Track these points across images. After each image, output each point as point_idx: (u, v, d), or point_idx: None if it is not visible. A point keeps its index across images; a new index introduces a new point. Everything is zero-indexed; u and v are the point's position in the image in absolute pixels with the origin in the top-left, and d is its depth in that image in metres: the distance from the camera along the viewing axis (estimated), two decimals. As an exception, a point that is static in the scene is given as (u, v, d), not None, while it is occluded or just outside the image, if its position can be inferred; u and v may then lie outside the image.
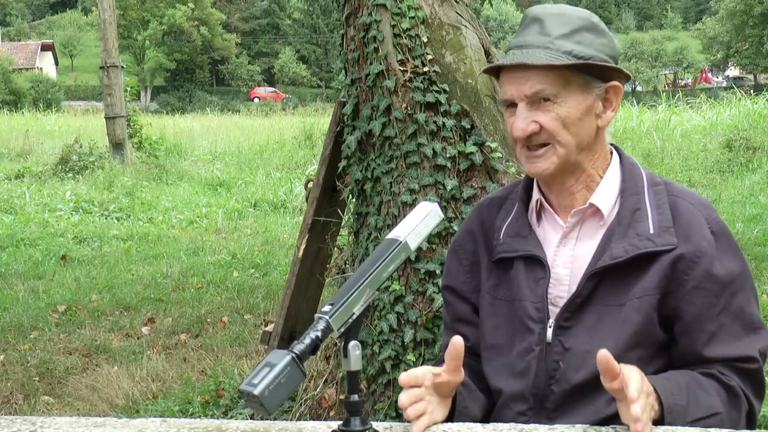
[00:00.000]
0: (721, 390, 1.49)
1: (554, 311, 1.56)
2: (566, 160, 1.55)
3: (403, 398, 1.41)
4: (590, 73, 1.54)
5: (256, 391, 1.23)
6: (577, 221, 1.59)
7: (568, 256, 1.58)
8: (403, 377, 1.42)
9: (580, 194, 1.59)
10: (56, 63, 63.77)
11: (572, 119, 1.53)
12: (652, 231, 1.52)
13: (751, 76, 57.59)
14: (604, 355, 1.32)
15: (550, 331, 1.55)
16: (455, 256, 1.73)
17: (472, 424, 1.39)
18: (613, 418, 1.47)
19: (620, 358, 1.47)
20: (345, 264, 3.72)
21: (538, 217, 1.64)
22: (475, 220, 1.71)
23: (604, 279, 1.52)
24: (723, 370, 1.51)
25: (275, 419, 1.40)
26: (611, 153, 1.64)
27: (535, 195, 1.64)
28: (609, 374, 1.33)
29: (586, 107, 1.54)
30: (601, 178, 1.60)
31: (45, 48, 60.38)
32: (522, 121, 1.54)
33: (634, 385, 1.31)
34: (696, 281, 1.49)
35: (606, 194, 1.58)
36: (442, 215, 1.45)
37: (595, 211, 1.58)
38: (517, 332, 1.59)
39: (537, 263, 1.58)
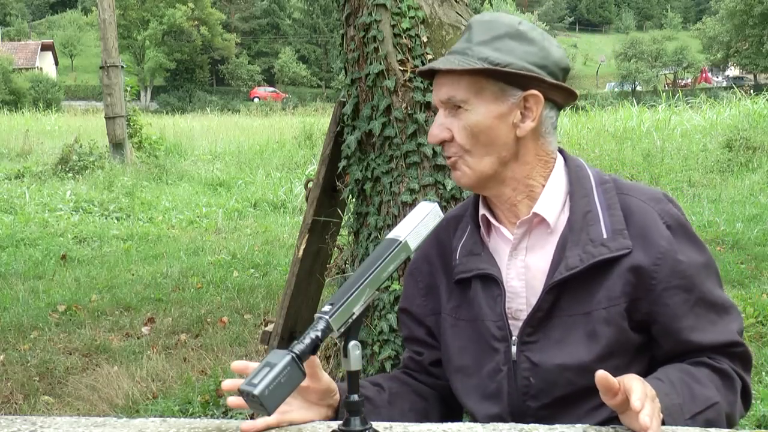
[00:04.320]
0: (714, 376, 1.49)
1: (516, 325, 1.53)
2: (481, 172, 1.52)
3: (227, 383, 1.38)
4: (506, 81, 1.49)
5: (256, 391, 1.23)
6: (525, 231, 1.55)
7: (521, 267, 1.54)
8: (235, 364, 1.40)
9: (523, 204, 1.55)
10: (56, 63, 63.76)
11: (481, 128, 1.50)
12: (605, 236, 1.49)
13: (751, 76, 57.59)
14: (602, 376, 1.29)
15: (515, 348, 1.53)
16: (412, 279, 1.70)
17: (472, 424, 1.39)
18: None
19: (595, 369, 1.45)
20: (345, 264, 3.72)
21: (489, 232, 1.61)
22: (431, 242, 1.65)
23: (565, 290, 1.49)
24: (712, 354, 1.51)
25: (275, 419, 1.42)
26: (555, 159, 1.57)
27: (481, 210, 1.60)
28: (609, 392, 1.31)
29: (498, 115, 1.50)
30: (543, 186, 1.55)
31: (45, 48, 60.37)
32: (436, 127, 1.53)
33: (636, 395, 1.28)
34: (665, 283, 1.48)
35: (550, 202, 1.53)
36: (442, 215, 1.44)
37: (541, 220, 1.54)
38: (483, 353, 1.57)
39: (492, 280, 1.55)
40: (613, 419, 1.42)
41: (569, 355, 1.48)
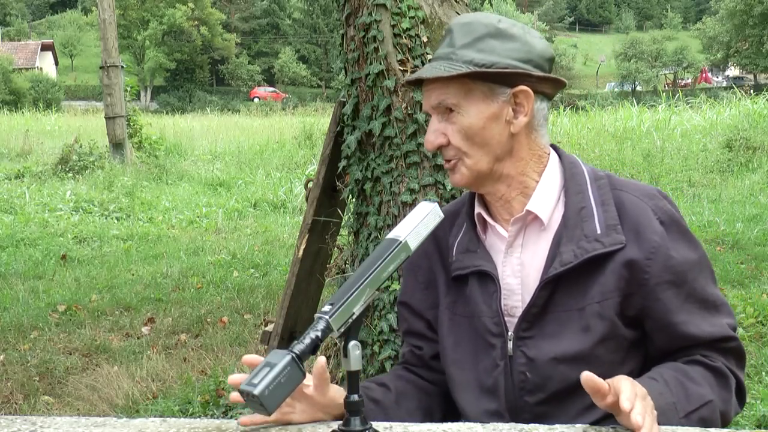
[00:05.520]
0: (708, 374, 1.50)
1: (512, 322, 1.55)
2: (478, 171, 1.54)
3: (234, 378, 1.40)
4: (493, 80, 1.51)
5: (256, 391, 1.24)
6: (519, 229, 1.56)
7: (516, 265, 1.56)
8: (247, 358, 1.43)
9: (517, 201, 1.57)
10: (56, 63, 63.76)
11: (475, 129, 1.52)
12: (599, 231, 1.50)
13: (751, 76, 57.60)
14: (588, 377, 1.30)
15: (511, 344, 1.54)
16: (411, 274, 1.71)
17: (471, 424, 1.39)
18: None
19: (590, 362, 1.45)
20: (345, 264, 3.72)
21: (484, 230, 1.62)
22: (428, 238, 1.62)
23: (559, 285, 1.50)
24: (706, 352, 1.52)
25: (275, 419, 1.42)
26: (549, 154, 1.59)
27: (476, 209, 1.62)
28: (598, 394, 1.31)
29: (490, 115, 1.52)
30: (537, 182, 1.56)
31: (45, 48, 60.37)
32: (431, 134, 1.55)
33: (625, 395, 1.29)
34: (657, 278, 1.49)
35: (544, 199, 1.55)
36: (442, 215, 1.45)
37: (535, 217, 1.55)
38: (480, 348, 1.58)
39: (488, 277, 1.56)
40: (609, 417, 1.42)
41: (564, 349, 1.49)
